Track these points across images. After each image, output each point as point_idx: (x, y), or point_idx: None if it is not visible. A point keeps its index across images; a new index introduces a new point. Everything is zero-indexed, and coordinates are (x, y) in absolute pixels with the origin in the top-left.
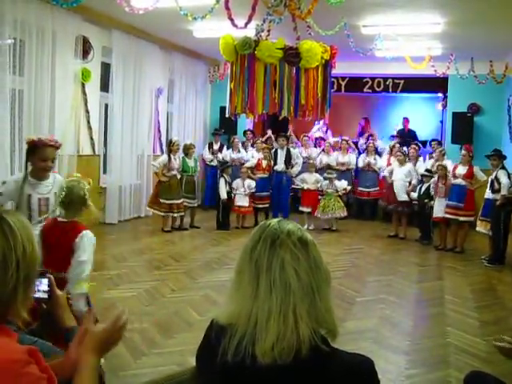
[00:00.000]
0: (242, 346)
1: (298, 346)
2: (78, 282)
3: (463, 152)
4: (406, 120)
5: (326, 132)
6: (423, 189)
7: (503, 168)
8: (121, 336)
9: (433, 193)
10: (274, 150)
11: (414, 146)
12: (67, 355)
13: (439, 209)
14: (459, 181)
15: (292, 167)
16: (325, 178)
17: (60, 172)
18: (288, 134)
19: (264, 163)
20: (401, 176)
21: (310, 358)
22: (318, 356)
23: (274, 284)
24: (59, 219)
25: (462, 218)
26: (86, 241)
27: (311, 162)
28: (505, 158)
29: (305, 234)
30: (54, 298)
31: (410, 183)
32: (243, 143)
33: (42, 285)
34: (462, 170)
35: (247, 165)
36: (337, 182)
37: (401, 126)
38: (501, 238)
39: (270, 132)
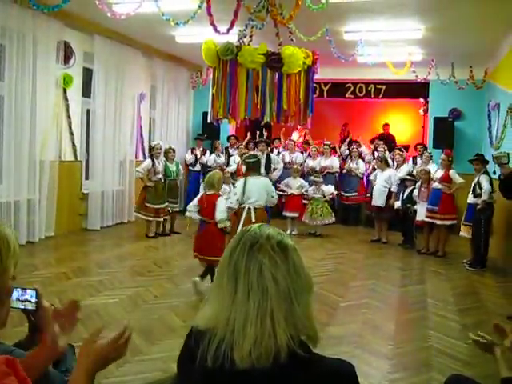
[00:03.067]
0: (221, 350)
1: (277, 351)
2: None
3: (443, 156)
4: (386, 125)
5: (305, 136)
6: (406, 193)
7: (485, 173)
8: (122, 353)
9: (416, 197)
10: None
11: (398, 151)
12: (42, 344)
13: (421, 213)
14: (436, 184)
15: (272, 172)
16: (311, 183)
17: (42, 178)
18: (264, 138)
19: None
20: (381, 181)
21: (288, 363)
22: (296, 361)
23: (251, 288)
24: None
25: (438, 222)
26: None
27: (295, 166)
28: (487, 162)
29: (285, 239)
30: (41, 310)
31: (389, 190)
32: (226, 148)
33: (29, 295)
34: (439, 173)
35: (228, 170)
36: (324, 187)
37: (381, 131)
38: (482, 241)
39: (249, 135)
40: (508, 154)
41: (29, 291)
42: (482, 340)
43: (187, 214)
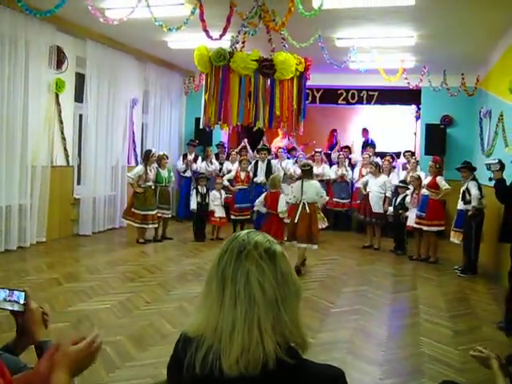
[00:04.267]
0: (209, 358)
1: (265, 359)
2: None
3: (430, 163)
4: (364, 131)
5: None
6: (398, 200)
7: (474, 179)
8: (95, 358)
9: (408, 204)
10: (254, 161)
11: (387, 157)
12: (36, 369)
13: (412, 218)
14: (423, 191)
15: None
16: None
17: (33, 183)
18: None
19: (242, 175)
20: (376, 188)
21: (276, 371)
22: (285, 368)
23: (238, 296)
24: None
25: (425, 228)
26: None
27: (289, 173)
28: (475, 169)
29: (273, 246)
30: (29, 312)
31: (385, 195)
32: (217, 155)
33: (17, 297)
34: (427, 180)
35: (226, 177)
36: None
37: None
38: (473, 248)
39: (244, 142)
40: (500, 160)
41: (16, 292)
42: (480, 354)
43: (255, 208)
